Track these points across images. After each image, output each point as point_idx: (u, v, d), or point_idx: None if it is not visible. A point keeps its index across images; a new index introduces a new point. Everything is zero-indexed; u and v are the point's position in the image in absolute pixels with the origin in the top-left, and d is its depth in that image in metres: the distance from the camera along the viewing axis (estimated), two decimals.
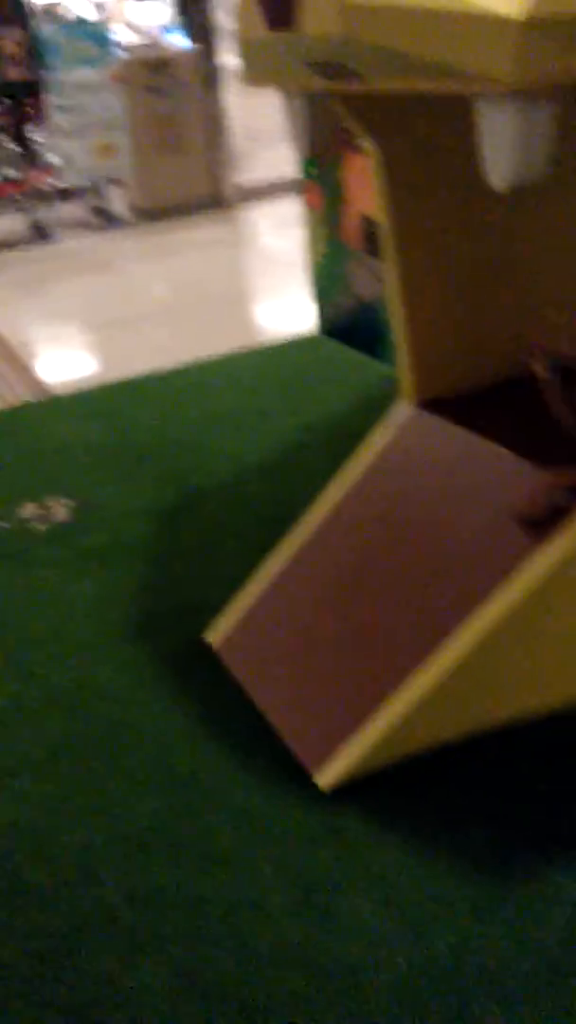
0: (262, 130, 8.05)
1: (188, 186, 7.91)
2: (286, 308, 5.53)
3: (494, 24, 1.54)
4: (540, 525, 2.18)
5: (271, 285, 6.13)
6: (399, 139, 2.43)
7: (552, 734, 2.23)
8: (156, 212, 7.86)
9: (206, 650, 2.58)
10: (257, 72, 2.20)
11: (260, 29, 1.98)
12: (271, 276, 6.31)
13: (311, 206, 4.73)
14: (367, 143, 2.49)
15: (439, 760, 2.17)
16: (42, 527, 3.33)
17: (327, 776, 2.13)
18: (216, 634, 2.60)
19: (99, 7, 9.87)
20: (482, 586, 2.14)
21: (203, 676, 2.51)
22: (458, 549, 2.30)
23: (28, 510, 3.43)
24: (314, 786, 2.13)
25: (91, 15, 8.09)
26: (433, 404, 2.53)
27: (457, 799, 2.09)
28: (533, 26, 1.52)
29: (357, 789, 2.11)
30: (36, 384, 4.74)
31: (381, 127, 2.41)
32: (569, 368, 2.26)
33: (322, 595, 2.44)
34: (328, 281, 4.81)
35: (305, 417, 4.02)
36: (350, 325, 4.72)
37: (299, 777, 2.16)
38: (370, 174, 2.54)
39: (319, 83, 2.03)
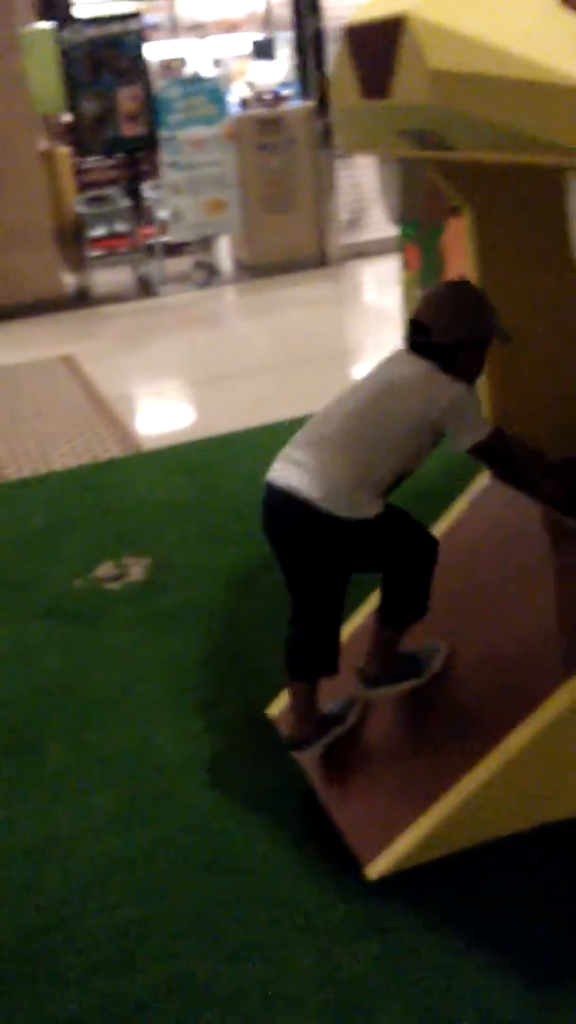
0: (372, 189, 8.08)
1: (295, 244, 7.96)
2: None
3: None
4: None
5: (371, 342, 6.09)
6: (494, 206, 2.38)
7: None
8: (262, 269, 7.92)
9: (267, 724, 2.50)
10: (351, 139, 2.17)
11: (354, 97, 1.95)
12: (371, 333, 6.27)
13: (408, 266, 4.69)
14: (463, 208, 2.44)
15: (497, 852, 2.05)
16: (117, 587, 3.30)
17: (378, 867, 2.02)
18: (277, 707, 2.51)
19: (218, 64, 10.10)
20: (548, 681, 2.02)
21: (260, 752, 2.42)
22: (521, 641, 2.18)
23: (104, 569, 3.41)
24: (362, 878, 2.02)
25: (208, 72, 8.27)
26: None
27: (509, 895, 1.96)
28: None
29: (405, 882, 2.00)
30: (128, 439, 4.76)
31: (476, 194, 2.36)
32: None
33: None
34: None
35: None
36: None
37: (348, 867, 2.05)
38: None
39: (413, 151, 1.99)
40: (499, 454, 2.13)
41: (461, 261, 4.27)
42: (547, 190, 1.69)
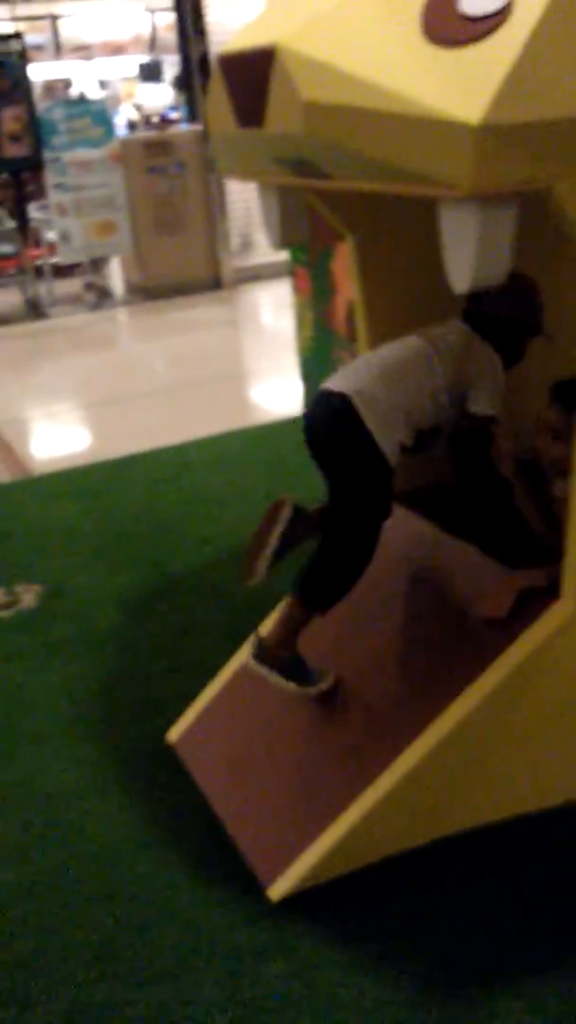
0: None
1: (187, 266, 7.98)
2: (279, 389, 5.53)
3: (451, 129, 1.53)
4: (504, 627, 2.12)
5: (266, 366, 6.14)
6: (372, 233, 2.43)
7: (520, 841, 2.13)
8: (154, 291, 7.92)
9: (166, 749, 2.49)
10: (230, 165, 2.20)
11: (230, 125, 1.98)
12: (266, 357, 6.32)
13: (299, 291, 4.74)
14: (343, 234, 2.48)
15: (397, 867, 2.09)
16: (7, 615, 3.25)
17: (279, 888, 2.03)
18: (176, 732, 2.51)
19: (104, 86, 10.09)
20: (442, 694, 2.06)
21: (160, 777, 2.42)
22: (422, 654, 2.23)
23: None
24: (265, 899, 2.03)
25: (94, 94, 8.25)
26: (406, 496, 2.48)
27: (411, 910, 1.99)
28: (490, 132, 1.50)
29: (308, 901, 2.02)
30: (18, 463, 4.71)
31: (356, 221, 2.41)
32: (537, 469, 2.22)
33: (278, 697, 2.35)
34: (315, 365, 4.80)
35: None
36: None
37: (252, 887, 2.06)
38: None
39: (291, 178, 2.02)
40: (487, 437, 2.28)
41: (350, 284, 4.34)
42: (425, 217, 1.73)
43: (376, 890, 2.05)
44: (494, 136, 1.51)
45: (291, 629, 2.23)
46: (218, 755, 2.37)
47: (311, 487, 4.07)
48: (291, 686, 2.22)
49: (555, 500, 2.22)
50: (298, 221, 2.22)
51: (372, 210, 2.36)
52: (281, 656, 2.22)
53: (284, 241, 2.22)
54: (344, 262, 4.42)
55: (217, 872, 2.12)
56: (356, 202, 2.34)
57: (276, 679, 2.22)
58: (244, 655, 2.54)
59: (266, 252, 8.13)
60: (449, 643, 2.19)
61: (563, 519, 2.07)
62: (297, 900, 2.02)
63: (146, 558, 3.57)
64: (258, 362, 6.37)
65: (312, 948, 1.93)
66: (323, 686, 2.26)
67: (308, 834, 2.05)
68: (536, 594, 2.10)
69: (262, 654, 2.22)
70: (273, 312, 7.55)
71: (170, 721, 2.56)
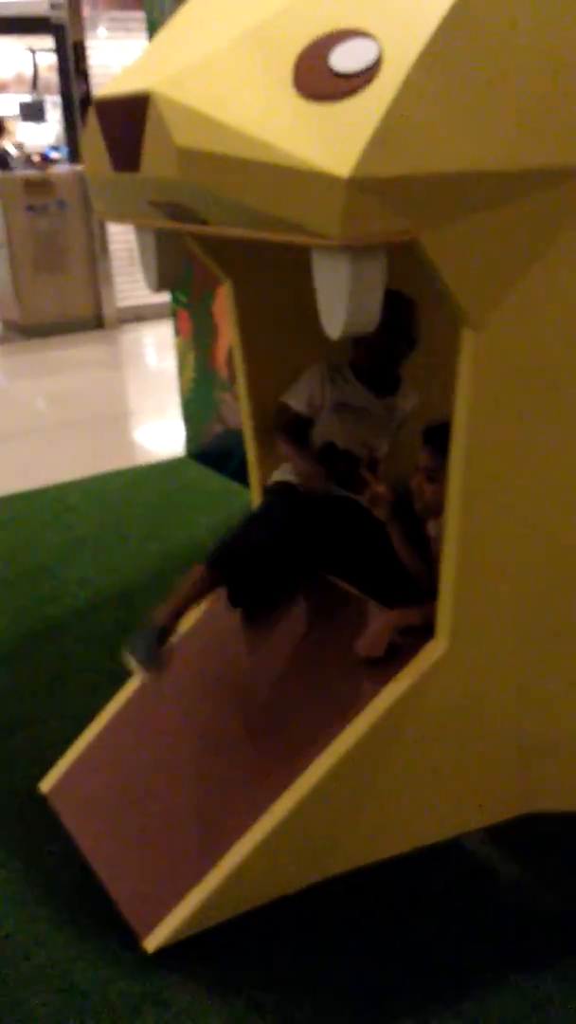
0: None
1: (68, 305, 7.93)
2: (161, 430, 5.51)
3: (321, 181, 1.55)
4: (381, 665, 2.14)
5: (148, 406, 6.11)
6: (249, 277, 2.45)
7: (404, 885, 2.14)
8: (36, 329, 7.83)
9: (41, 800, 2.43)
10: (107, 208, 2.19)
11: (106, 168, 1.97)
12: (148, 397, 6.29)
13: (181, 333, 4.75)
14: (220, 279, 2.50)
15: (271, 914, 2.07)
16: None
17: (155, 939, 1.99)
18: (49, 782, 2.45)
19: None
20: (321, 736, 2.07)
21: (33, 828, 2.35)
22: (299, 694, 2.23)
23: None
24: (141, 952, 1.99)
25: None
26: None
27: (291, 958, 1.98)
28: (359, 185, 1.54)
29: (185, 951, 1.98)
30: None
31: (231, 265, 2.43)
32: (410, 508, 2.26)
33: (155, 743, 2.33)
34: (197, 407, 4.81)
35: (167, 543, 3.94)
36: (218, 451, 4.71)
37: (128, 940, 2.02)
38: None
39: (166, 222, 2.03)
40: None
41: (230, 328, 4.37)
42: (300, 263, 1.76)
43: (254, 938, 2.03)
44: (363, 189, 1.55)
45: (183, 602, 2.33)
46: (93, 803, 2.33)
47: (192, 527, 4.08)
48: (130, 659, 2.28)
49: (430, 540, 2.26)
50: (175, 264, 2.22)
51: (248, 255, 2.38)
52: (154, 621, 2.30)
53: (160, 283, 2.22)
54: (224, 305, 4.46)
55: (91, 925, 2.07)
56: (232, 247, 2.36)
57: (128, 655, 2.29)
58: (113, 704, 2.51)
59: (149, 293, 8.12)
60: (330, 682, 2.20)
61: (435, 557, 2.12)
62: (174, 950, 1.98)
63: (23, 604, 3.50)
64: (140, 402, 6.34)
65: (188, 1002, 1.90)
66: (148, 675, 2.28)
67: (184, 883, 2.02)
68: (414, 633, 2.13)
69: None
70: (156, 352, 7.54)
71: (45, 770, 2.50)
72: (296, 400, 2.51)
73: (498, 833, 2.29)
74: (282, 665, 2.32)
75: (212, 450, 4.77)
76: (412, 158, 1.58)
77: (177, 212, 1.92)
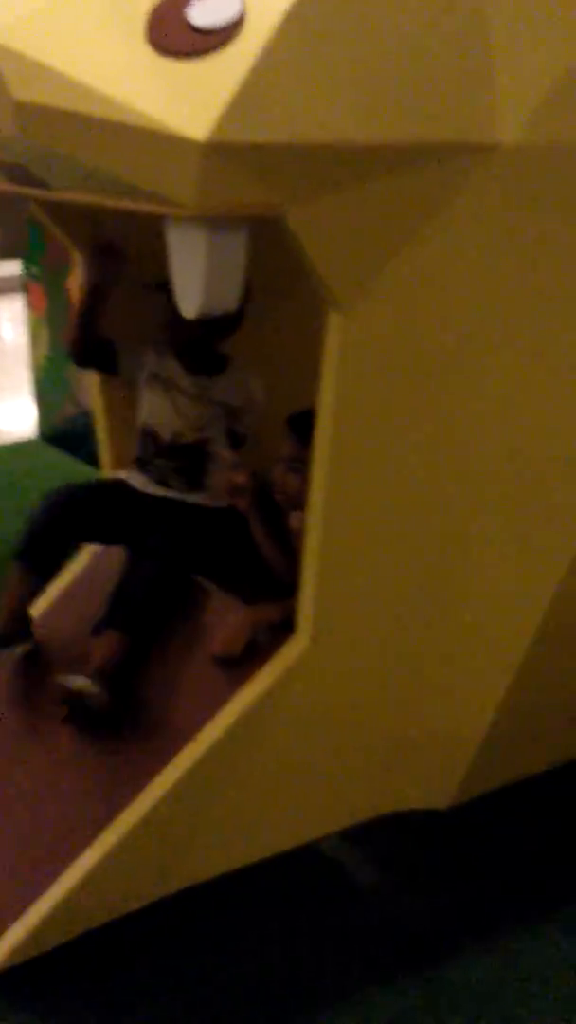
0: None
1: None
2: (11, 408, 5.28)
3: (175, 144, 1.42)
4: (239, 665, 2.04)
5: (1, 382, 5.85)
6: (99, 247, 2.29)
7: (257, 891, 2.05)
8: None
9: None
10: None
11: None
12: (2, 374, 6.02)
13: (33, 307, 4.52)
14: (70, 250, 2.34)
15: (118, 932, 1.95)
16: None
17: None
18: None
19: None
20: (172, 741, 1.95)
21: None
22: (150, 697, 2.10)
23: None
24: None
25: None
26: None
27: (131, 975, 1.86)
28: (216, 150, 1.41)
29: (24, 975, 1.84)
30: None
31: (79, 234, 2.26)
32: (273, 502, 2.15)
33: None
34: (50, 386, 4.60)
35: (7, 529, 3.73)
36: (71, 432, 4.51)
37: None
38: None
39: (6, 186, 1.86)
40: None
41: None
42: (154, 236, 1.63)
43: (99, 957, 1.90)
44: (221, 155, 1.42)
45: (12, 604, 2.24)
46: None
47: None
48: None
49: (292, 533, 2.16)
50: (17, 233, 2.06)
51: (98, 224, 2.22)
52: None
53: (1, 252, 2.05)
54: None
55: None
56: (80, 215, 2.19)
57: None
58: None
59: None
60: (184, 684, 2.08)
61: (297, 550, 2.02)
62: (10, 975, 1.84)
63: None
64: None
65: None
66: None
67: (21, 901, 1.87)
68: (274, 630, 2.03)
69: None
70: (10, 327, 7.24)
71: None
72: (128, 369, 2.36)
73: (356, 835, 2.23)
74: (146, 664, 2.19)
75: (65, 432, 4.57)
76: (275, 125, 1.46)
77: (17, 174, 1.75)
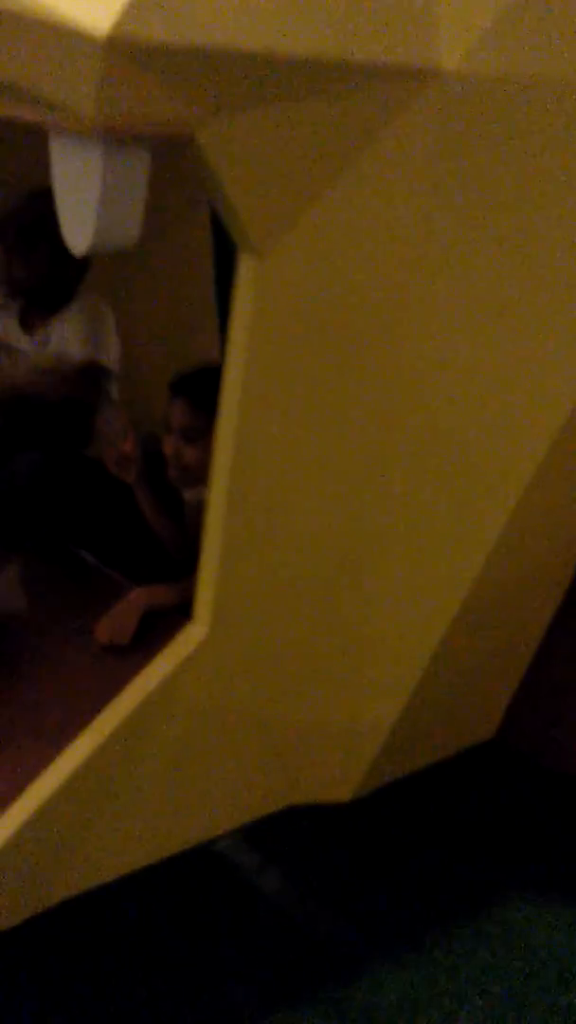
0: None
1: None
2: None
3: (72, 40, 1.17)
4: (126, 652, 1.81)
5: None
6: None
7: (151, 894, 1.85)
8: None
9: None
10: None
11: None
12: None
13: None
14: None
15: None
16: None
17: None
18: None
19: None
20: (49, 742, 1.71)
21: None
22: (24, 691, 1.86)
23: None
24: None
25: None
26: None
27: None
28: (120, 49, 1.16)
29: None
30: None
31: None
32: (160, 472, 1.92)
33: None
34: None
35: None
36: None
37: None
38: None
39: None
40: None
41: None
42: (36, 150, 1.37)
43: None
44: (125, 55, 1.18)
45: None
46: None
47: None
48: None
49: (185, 506, 1.94)
50: None
51: None
52: None
53: None
54: None
55: None
56: None
57: None
58: None
59: None
60: (63, 675, 1.84)
61: (193, 528, 1.80)
62: None
63: None
64: None
65: None
66: None
67: None
68: (166, 615, 1.80)
69: None
70: None
71: None
72: None
73: (254, 835, 2.04)
74: (15, 652, 1.93)
75: None
76: (189, 25, 1.23)
77: None
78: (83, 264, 2.09)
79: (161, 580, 1.88)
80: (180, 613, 1.78)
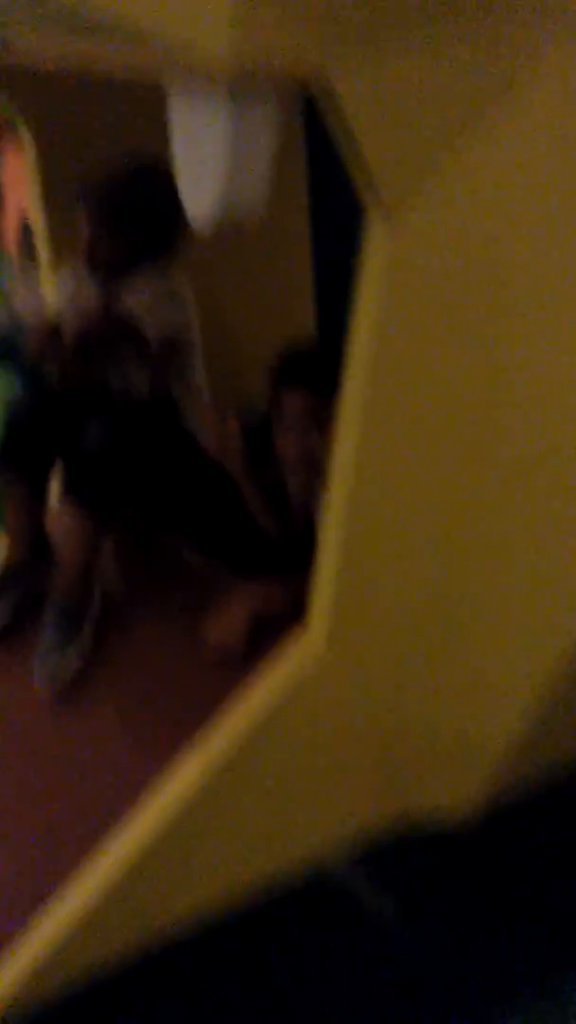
0: None
1: None
2: None
3: None
4: (240, 660, 1.65)
5: None
6: (58, 129, 1.83)
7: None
8: None
9: None
10: None
11: None
12: None
13: None
14: (20, 130, 1.88)
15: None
16: None
17: None
18: None
19: None
20: (154, 765, 1.56)
21: None
22: (137, 700, 1.70)
23: None
24: None
25: None
26: None
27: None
28: None
29: None
30: None
31: (35, 112, 1.80)
32: (263, 464, 1.74)
33: None
34: None
35: None
36: (7, 344, 4.03)
37: None
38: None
39: None
40: None
41: (22, 197, 3.67)
42: (136, 115, 1.19)
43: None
44: None
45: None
46: None
47: None
48: None
49: (292, 499, 1.76)
50: None
51: (60, 101, 1.76)
52: None
53: None
54: (15, 168, 3.75)
55: None
56: (37, 87, 1.72)
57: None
58: None
59: None
60: (167, 686, 1.69)
61: (300, 520, 1.62)
62: None
63: None
64: None
65: None
66: None
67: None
68: (277, 619, 1.63)
69: None
70: None
71: None
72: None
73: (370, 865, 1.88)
74: (112, 658, 1.78)
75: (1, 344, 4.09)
76: None
77: None
78: (169, 249, 1.92)
79: (262, 570, 1.71)
80: (291, 618, 1.61)
